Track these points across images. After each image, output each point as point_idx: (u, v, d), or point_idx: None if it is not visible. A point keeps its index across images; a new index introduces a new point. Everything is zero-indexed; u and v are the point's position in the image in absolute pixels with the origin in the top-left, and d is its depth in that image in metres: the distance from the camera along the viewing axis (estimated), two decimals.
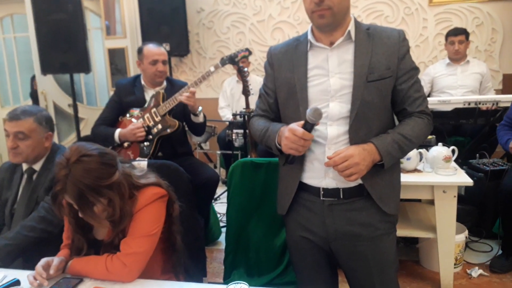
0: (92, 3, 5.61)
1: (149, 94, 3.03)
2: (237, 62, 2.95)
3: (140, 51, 3.03)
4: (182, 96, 2.82)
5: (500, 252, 2.99)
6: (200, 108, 2.95)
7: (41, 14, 4.17)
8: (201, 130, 3.09)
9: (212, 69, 2.93)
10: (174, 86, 3.05)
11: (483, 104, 3.27)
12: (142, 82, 3.06)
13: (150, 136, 2.90)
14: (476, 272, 2.86)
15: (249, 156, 3.75)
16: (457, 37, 4.13)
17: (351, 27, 1.54)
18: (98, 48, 5.72)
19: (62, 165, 1.49)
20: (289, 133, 1.48)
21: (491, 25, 4.78)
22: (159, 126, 2.90)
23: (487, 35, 4.80)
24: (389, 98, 1.55)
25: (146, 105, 2.97)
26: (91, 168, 1.49)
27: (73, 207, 1.55)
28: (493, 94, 4.16)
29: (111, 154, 1.60)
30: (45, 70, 4.30)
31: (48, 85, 5.54)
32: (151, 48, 3.00)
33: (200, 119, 2.99)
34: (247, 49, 2.98)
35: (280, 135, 1.56)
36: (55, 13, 4.12)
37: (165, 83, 3.08)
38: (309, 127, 1.46)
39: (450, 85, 4.17)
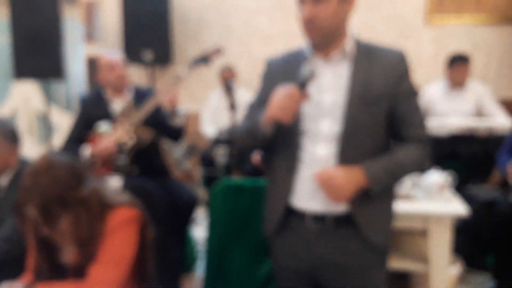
0: (74, 10, 5.46)
1: (115, 105, 2.90)
2: (207, 60, 2.78)
3: (97, 65, 2.98)
4: (160, 98, 2.66)
5: (492, 284, 2.91)
6: (179, 109, 2.76)
7: (18, 18, 4.10)
8: (179, 135, 2.89)
9: (183, 73, 2.73)
10: (142, 94, 2.91)
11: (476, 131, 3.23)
12: (106, 94, 2.94)
13: (124, 151, 2.73)
14: None
15: (232, 176, 3.63)
16: (462, 66, 4.01)
17: (347, 44, 1.50)
18: (78, 55, 5.56)
19: (29, 173, 1.44)
20: (275, 94, 1.44)
21: (486, 48, 4.76)
22: (133, 139, 2.74)
23: (482, 58, 4.77)
24: (383, 120, 1.49)
25: (115, 118, 2.83)
26: (59, 178, 1.43)
27: (37, 222, 1.43)
28: (501, 115, 4.04)
29: (81, 166, 1.52)
30: (18, 75, 4.19)
31: (31, 91, 5.37)
32: (105, 56, 2.96)
33: (178, 121, 2.76)
34: (217, 49, 2.82)
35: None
36: (32, 17, 4.05)
37: (131, 93, 2.96)
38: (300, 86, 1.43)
39: (446, 110, 4.08)
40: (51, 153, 1.54)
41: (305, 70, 1.43)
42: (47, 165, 1.45)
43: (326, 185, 1.42)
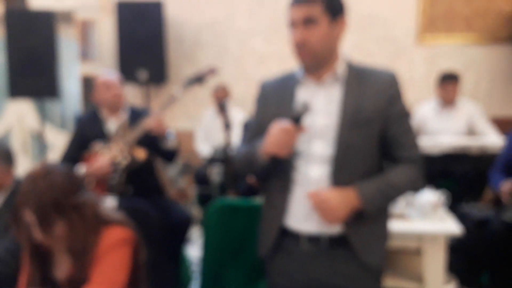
0: (69, 29, 5.48)
1: (110, 124, 2.90)
2: (202, 80, 2.80)
3: (93, 84, 3.00)
4: (148, 124, 2.67)
5: None
6: (170, 133, 2.77)
7: (13, 37, 4.14)
8: (172, 156, 2.91)
9: (177, 93, 2.76)
10: (137, 114, 2.92)
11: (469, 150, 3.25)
12: (102, 114, 2.94)
13: (119, 170, 2.72)
14: None
15: (227, 195, 3.61)
16: (451, 84, 4.08)
17: (339, 67, 1.52)
18: (73, 74, 5.56)
19: (27, 178, 1.48)
20: (271, 130, 1.45)
21: (477, 67, 4.82)
22: (128, 159, 2.73)
23: (473, 77, 4.82)
24: (375, 142, 1.50)
25: (110, 138, 2.82)
26: (56, 183, 1.46)
27: (33, 226, 1.45)
28: (492, 133, 4.08)
29: (79, 176, 1.60)
30: (14, 93, 4.21)
31: (25, 110, 5.38)
32: (101, 76, 2.98)
33: (169, 144, 2.79)
34: (212, 69, 2.84)
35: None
36: (28, 37, 4.09)
37: (127, 112, 2.96)
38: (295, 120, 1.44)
39: (438, 128, 4.11)
40: (49, 162, 1.58)
41: (299, 104, 1.45)
42: (45, 171, 1.49)
43: (320, 207, 1.42)
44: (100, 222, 1.52)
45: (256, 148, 1.52)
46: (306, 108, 1.44)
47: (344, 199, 1.42)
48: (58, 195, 1.45)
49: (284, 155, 1.44)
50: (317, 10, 1.46)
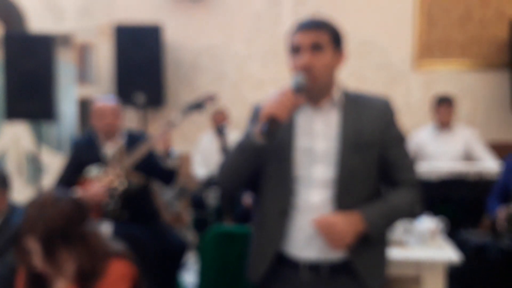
0: (67, 52, 5.50)
1: (106, 149, 2.89)
2: (201, 107, 2.80)
3: (90, 109, 3.01)
4: (154, 141, 2.67)
5: None
6: (173, 151, 2.78)
7: (12, 60, 4.16)
8: (172, 177, 2.89)
9: (176, 120, 2.76)
10: (134, 138, 2.91)
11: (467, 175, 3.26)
12: (98, 138, 2.93)
13: (115, 196, 2.70)
14: None
15: (224, 221, 3.59)
16: (446, 107, 4.13)
17: (336, 93, 1.54)
18: (70, 97, 5.57)
19: (34, 204, 1.47)
20: (273, 95, 1.44)
21: (473, 93, 4.86)
22: (124, 184, 2.72)
23: (469, 103, 4.86)
24: (374, 165, 1.52)
25: (107, 162, 2.81)
26: (65, 211, 1.45)
27: (36, 254, 1.42)
28: (489, 159, 4.09)
29: (85, 205, 1.57)
30: (11, 116, 4.23)
31: (21, 131, 5.38)
32: (98, 102, 2.97)
33: (171, 163, 2.78)
34: (211, 96, 2.84)
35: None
36: (27, 60, 4.12)
37: (124, 137, 2.94)
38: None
39: (435, 152, 4.13)
40: (56, 189, 1.58)
41: (298, 77, 1.46)
42: (53, 198, 1.48)
43: (326, 232, 1.42)
44: (106, 252, 1.51)
45: (248, 133, 1.51)
46: (304, 82, 1.45)
47: (350, 223, 1.43)
48: (66, 223, 1.43)
49: (282, 117, 1.40)
50: (324, 38, 1.50)
